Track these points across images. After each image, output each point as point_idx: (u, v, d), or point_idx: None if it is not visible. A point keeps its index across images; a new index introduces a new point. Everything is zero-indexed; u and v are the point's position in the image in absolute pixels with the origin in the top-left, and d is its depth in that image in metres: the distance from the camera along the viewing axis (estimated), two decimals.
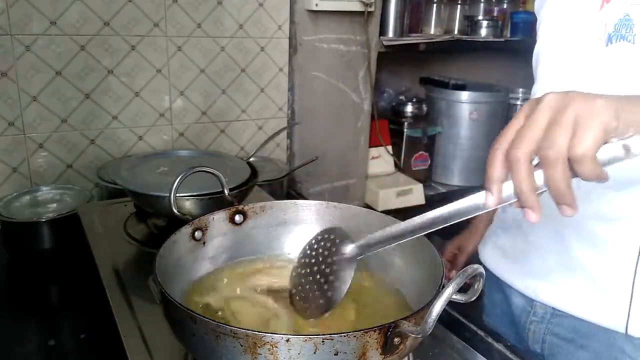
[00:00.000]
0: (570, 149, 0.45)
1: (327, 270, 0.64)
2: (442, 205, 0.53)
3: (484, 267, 0.85)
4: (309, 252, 0.68)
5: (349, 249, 0.64)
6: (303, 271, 0.68)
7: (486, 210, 0.50)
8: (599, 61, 0.71)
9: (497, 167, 0.48)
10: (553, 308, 0.81)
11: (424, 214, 0.55)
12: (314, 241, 0.69)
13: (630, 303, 0.72)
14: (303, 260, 0.69)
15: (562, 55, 0.77)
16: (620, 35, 0.68)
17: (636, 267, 0.72)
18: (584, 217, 0.74)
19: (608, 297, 0.74)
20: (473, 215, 0.51)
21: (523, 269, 0.84)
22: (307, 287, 0.66)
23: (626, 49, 0.68)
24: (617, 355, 0.75)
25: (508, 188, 0.49)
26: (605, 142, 0.46)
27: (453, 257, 1.12)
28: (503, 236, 0.91)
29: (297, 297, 0.67)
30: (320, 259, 0.66)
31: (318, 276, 0.65)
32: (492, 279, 0.92)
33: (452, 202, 0.52)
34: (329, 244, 0.66)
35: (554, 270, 0.79)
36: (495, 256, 0.92)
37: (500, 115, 1.99)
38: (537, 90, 0.83)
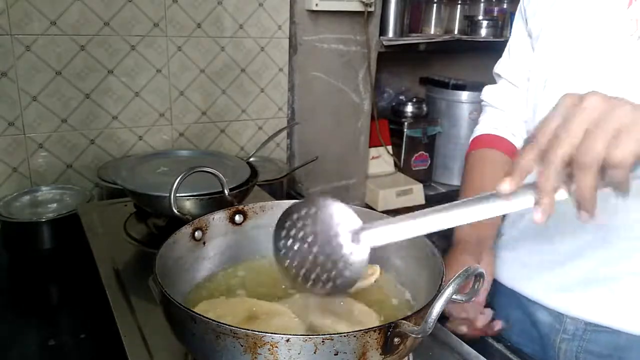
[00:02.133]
0: (607, 155, 0.45)
1: (334, 254, 0.56)
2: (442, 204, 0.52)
3: (496, 280, 0.83)
4: (301, 224, 0.58)
5: (361, 236, 0.55)
6: (301, 247, 0.59)
7: (499, 210, 0.49)
8: (632, 57, 0.70)
9: (526, 160, 0.48)
10: (585, 323, 0.76)
11: (439, 208, 0.52)
12: (304, 213, 0.58)
13: None
14: (298, 233, 0.59)
15: (585, 59, 0.74)
16: None
17: None
18: (625, 223, 0.71)
19: None
20: (491, 215, 0.50)
21: (550, 283, 0.79)
22: (311, 265, 0.58)
23: None
24: None
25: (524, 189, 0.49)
26: None
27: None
28: (521, 248, 0.85)
29: (304, 273, 0.58)
30: (322, 238, 0.57)
31: (322, 258, 0.57)
32: (507, 294, 0.86)
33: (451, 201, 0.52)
34: (329, 221, 0.57)
35: (587, 282, 0.75)
36: (513, 269, 0.86)
37: None
38: (550, 102, 0.79)
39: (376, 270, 0.73)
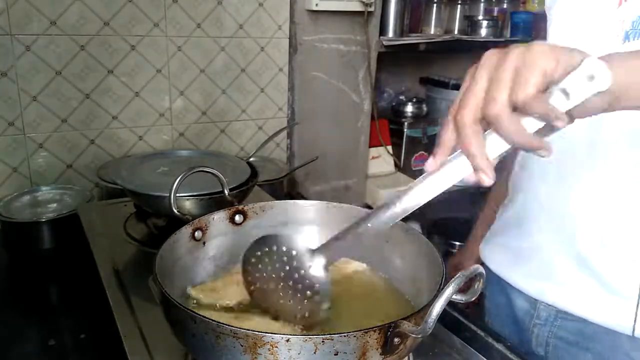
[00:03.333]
0: (514, 99, 0.44)
1: (299, 285, 0.60)
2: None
3: (486, 267, 0.86)
4: (262, 267, 0.63)
5: (314, 260, 0.59)
6: (269, 287, 0.62)
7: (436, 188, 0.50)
8: None
9: (446, 132, 0.48)
10: (557, 310, 0.81)
11: (380, 208, 0.54)
12: (260, 254, 0.63)
13: (638, 304, 0.72)
14: (261, 275, 0.63)
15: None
16: (637, 33, 0.68)
17: None
18: (594, 216, 0.74)
19: (615, 298, 0.73)
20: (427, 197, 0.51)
21: (527, 269, 0.83)
22: (286, 301, 0.62)
23: None
24: (622, 357, 0.75)
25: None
26: (547, 88, 0.45)
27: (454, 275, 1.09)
28: (506, 235, 0.89)
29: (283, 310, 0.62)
30: (283, 275, 0.61)
31: (291, 292, 0.61)
32: (494, 281, 0.90)
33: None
34: (284, 257, 0.61)
35: (559, 270, 0.78)
36: (498, 256, 0.90)
37: None
38: None
39: (350, 261, 0.75)
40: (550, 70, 0.45)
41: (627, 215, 0.72)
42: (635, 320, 0.72)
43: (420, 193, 0.52)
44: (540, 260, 0.81)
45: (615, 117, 0.68)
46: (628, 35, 0.69)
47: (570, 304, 0.78)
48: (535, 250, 0.81)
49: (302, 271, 0.60)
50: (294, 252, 0.61)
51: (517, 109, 0.45)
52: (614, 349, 0.75)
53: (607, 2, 0.71)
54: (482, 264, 0.90)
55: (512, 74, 0.45)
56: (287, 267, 0.61)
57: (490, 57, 0.48)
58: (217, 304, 0.68)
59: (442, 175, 0.50)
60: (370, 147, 1.80)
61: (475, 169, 0.48)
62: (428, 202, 0.53)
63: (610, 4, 0.71)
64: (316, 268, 0.59)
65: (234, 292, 0.70)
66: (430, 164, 0.49)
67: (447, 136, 0.48)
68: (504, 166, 1.01)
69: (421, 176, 0.51)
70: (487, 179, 0.47)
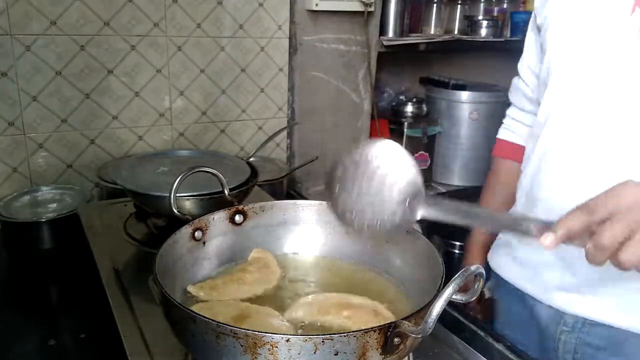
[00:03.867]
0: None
1: (386, 204, 0.59)
2: None
3: (499, 275, 0.88)
4: (370, 162, 0.60)
5: (418, 204, 0.58)
6: (357, 183, 0.60)
7: (530, 237, 0.54)
8: (633, 63, 0.70)
9: (576, 225, 0.52)
10: (584, 318, 0.79)
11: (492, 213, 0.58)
12: (378, 158, 0.60)
13: None
14: (358, 171, 0.60)
15: (587, 61, 0.74)
16: None
17: None
18: None
19: None
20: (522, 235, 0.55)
21: (551, 282, 0.81)
22: (360, 199, 0.60)
23: None
24: None
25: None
26: None
27: None
28: (522, 249, 0.87)
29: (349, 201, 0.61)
30: (383, 186, 0.59)
31: (372, 198, 0.59)
32: (508, 289, 0.89)
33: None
34: (395, 179, 0.59)
35: (586, 280, 0.77)
36: (515, 269, 0.89)
37: (500, 115, 1.98)
38: (553, 98, 0.80)
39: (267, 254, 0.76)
40: None
41: None
42: None
43: (518, 232, 0.56)
44: (564, 272, 0.80)
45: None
46: None
47: (599, 314, 0.77)
48: (561, 263, 0.80)
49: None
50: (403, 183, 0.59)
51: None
52: None
53: (619, 10, 0.70)
54: (491, 271, 0.93)
55: None
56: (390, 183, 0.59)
57: (637, 208, 0.51)
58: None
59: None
60: None
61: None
62: None
63: (623, 11, 0.70)
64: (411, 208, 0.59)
65: (233, 290, 0.70)
66: (547, 244, 0.52)
67: (576, 228, 0.52)
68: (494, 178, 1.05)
69: (535, 222, 0.55)
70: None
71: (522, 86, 0.97)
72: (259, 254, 0.77)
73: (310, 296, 0.69)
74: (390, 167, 0.59)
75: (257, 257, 0.76)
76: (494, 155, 1.06)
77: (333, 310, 0.65)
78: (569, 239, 0.52)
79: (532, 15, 0.92)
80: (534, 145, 0.84)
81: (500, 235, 0.95)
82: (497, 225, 0.57)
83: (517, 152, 0.98)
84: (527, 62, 0.94)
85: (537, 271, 0.84)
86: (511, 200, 0.92)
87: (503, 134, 1.05)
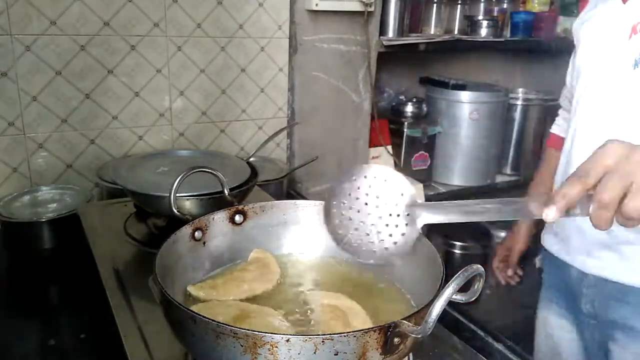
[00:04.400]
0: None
1: (387, 223, 0.61)
2: None
3: (545, 250, 1.09)
4: (361, 189, 0.62)
5: (417, 212, 0.60)
6: (354, 209, 0.62)
7: (532, 216, 0.55)
8: (628, 83, 0.85)
9: (573, 192, 0.54)
10: (598, 277, 0.95)
11: (489, 200, 0.58)
12: (369, 182, 0.62)
13: None
14: (354, 197, 0.63)
15: (596, 76, 0.92)
16: None
17: None
18: None
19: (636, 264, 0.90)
20: (524, 217, 0.59)
21: (575, 247, 0.98)
22: (362, 228, 0.62)
23: None
24: None
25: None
26: None
27: (505, 257, 1.29)
28: (557, 223, 1.03)
29: (349, 232, 0.63)
30: (378, 207, 0.61)
31: (373, 224, 0.62)
32: (550, 258, 1.07)
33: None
34: (389, 196, 0.61)
35: (603, 246, 0.93)
36: (551, 239, 1.07)
37: (500, 115, 1.99)
38: (576, 104, 0.97)
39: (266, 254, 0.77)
40: None
41: None
42: None
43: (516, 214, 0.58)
44: (583, 241, 0.96)
45: None
46: (637, 63, 0.84)
47: (605, 272, 0.94)
48: (581, 233, 0.96)
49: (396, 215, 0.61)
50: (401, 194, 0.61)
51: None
52: None
53: (619, 35, 0.87)
54: (543, 248, 1.10)
55: None
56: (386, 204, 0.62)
57: (624, 159, 0.54)
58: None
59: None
60: (370, 147, 1.80)
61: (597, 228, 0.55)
62: None
63: (622, 36, 0.86)
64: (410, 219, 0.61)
65: (233, 289, 0.70)
66: (550, 216, 0.53)
67: (573, 195, 0.54)
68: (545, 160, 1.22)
69: (532, 199, 0.56)
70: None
71: (566, 92, 1.14)
72: (258, 254, 0.77)
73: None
74: (383, 186, 0.62)
75: (257, 257, 0.77)
76: (546, 146, 1.25)
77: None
78: (569, 208, 0.54)
79: None
80: (568, 128, 1.00)
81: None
82: (497, 213, 0.57)
83: (561, 143, 1.10)
84: (569, 71, 1.09)
85: (565, 239, 1.01)
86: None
87: (554, 128, 1.23)
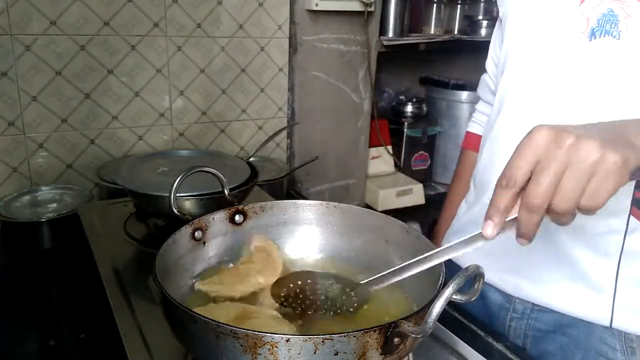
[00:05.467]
0: (582, 204, 0.47)
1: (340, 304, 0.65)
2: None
3: (452, 262, 0.87)
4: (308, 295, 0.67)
5: (360, 287, 0.64)
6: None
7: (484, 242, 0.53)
8: (581, 56, 0.70)
9: (505, 202, 0.50)
10: (532, 304, 0.82)
11: (430, 253, 0.59)
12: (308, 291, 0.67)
13: (614, 297, 0.73)
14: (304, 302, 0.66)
15: (539, 49, 0.75)
16: (604, 31, 0.68)
17: (619, 259, 0.73)
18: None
19: (592, 291, 0.75)
20: (474, 248, 0.55)
21: (501, 265, 0.83)
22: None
23: (611, 44, 0.68)
24: (596, 342, 0.77)
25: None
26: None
27: None
28: (474, 231, 0.89)
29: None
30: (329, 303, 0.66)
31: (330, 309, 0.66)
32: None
33: None
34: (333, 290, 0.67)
35: (537, 266, 0.79)
36: (468, 252, 0.91)
37: None
38: (505, 87, 0.81)
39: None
40: (622, 181, 0.48)
41: (604, 208, 0.72)
42: (612, 313, 0.74)
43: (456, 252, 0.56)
44: (514, 256, 0.81)
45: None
46: (594, 33, 0.69)
47: (547, 299, 0.79)
48: (510, 246, 0.81)
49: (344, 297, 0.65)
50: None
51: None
52: (589, 334, 0.77)
53: (567, 0, 0.71)
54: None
55: (587, 178, 0.47)
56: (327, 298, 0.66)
57: (568, 143, 0.47)
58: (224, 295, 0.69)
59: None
60: (370, 147, 1.80)
61: (521, 237, 0.51)
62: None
63: (572, 1, 0.71)
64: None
65: (239, 285, 0.70)
66: (489, 233, 0.52)
67: (505, 205, 0.50)
68: (464, 162, 1.07)
69: (472, 236, 0.55)
70: (526, 243, 0.52)
71: (487, 80, 0.99)
72: (261, 244, 0.77)
73: None
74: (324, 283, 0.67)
75: (260, 248, 0.77)
76: (463, 148, 1.08)
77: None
78: (506, 217, 0.50)
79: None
80: (489, 131, 0.85)
81: (454, 222, 0.96)
82: (443, 257, 0.57)
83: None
84: (491, 55, 0.96)
85: (491, 254, 0.84)
86: None
87: (471, 127, 1.06)
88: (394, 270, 0.61)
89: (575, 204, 0.47)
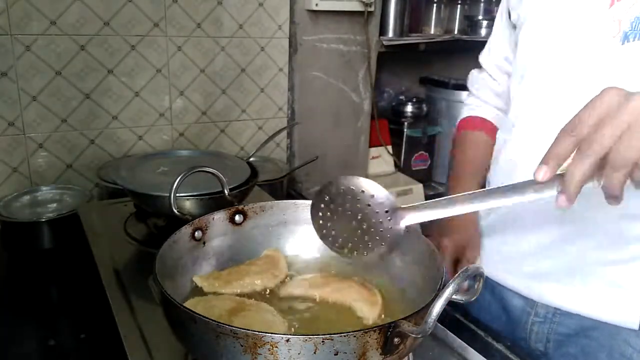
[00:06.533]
0: None
1: (371, 227, 0.64)
2: None
3: None
4: (340, 197, 0.65)
5: (398, 215, 0.62)
6: (335, 211, 0.65)
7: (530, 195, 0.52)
8: (613, 60, 0.69)
9: (564, 148, 0.50)
10: (555, 308, 0.81)
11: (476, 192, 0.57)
12: (345, 190, 0.64)
13: None
14: (332, 203, 0.65)
15: (566, 54, 0.73)
16: (637, 34, 0.67)
17: None
18: (602, 217, 0.73)
19: (619, 295, 0.74)
20: (528, 199, 0.53)
21: (524, 271, 0.82)
22: (344, 228, 0.65)
23: None
24: (621, 344, 0.76)
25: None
26: None
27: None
28: (496, 236, 0.88)
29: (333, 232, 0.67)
30: (360, 209, 0.64)
31: (357, 225, 0.64)
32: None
33: None
34: (369, 202, 0.63)
35: (560, 271, 0.78)
36: (486, 256, 0.90)
37: None
38: (531, 90, 0.79)
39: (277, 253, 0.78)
40: None
41: (635, 213, 0.71)
42: None
43: (512, 199, 0.55)
44: (537, 261, 0.80)
45: None
46: (627, 36, 0.67)
47: (573, 304, 0.78)
48: (533, 251, 0.81)
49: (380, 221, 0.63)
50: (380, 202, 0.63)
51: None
52: (613, 336, 0.77)
53: (599, 2, 0.70)
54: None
55: None
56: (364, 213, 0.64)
57: (618, 105, 0.48)
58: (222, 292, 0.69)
59: (539, 192, 0.53)
60: (370, 147, 1.80)
61: (562, 193, 0.50)
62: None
63: (602, 3, 0.69)
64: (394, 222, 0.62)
65: (234, 282, 0.70)
66: (541, 176, 0.50)
67: (565, 152, 0.50)
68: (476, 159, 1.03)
69: (520, 183, 0.54)
70: (567, 205, 0.51)
71: (489, 81, 0.98)
72: (270, 252, 0.77)
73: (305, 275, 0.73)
74: (363, 194, 0.64)
75: (268, 255, 0.77)
76: (460, 131, 1.03)
77: (322, 283, 0.69)
78: (561, 163, 0.50)
79: (500, 10, 0.93)
80: (506, 135, 0.85)
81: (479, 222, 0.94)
82: (486, 201, 0.56)
83: (485, 124, 0.99)
84: (496, 58, 0.95)
85: (511, 259, 0.85)
86: (483, 168, 0.95)
87: (468, 112, 1.03)
88: (436, 202, 0.60)
89: (636, 158, 0.47)
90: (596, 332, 0.78)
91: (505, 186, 0.55)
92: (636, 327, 0.74)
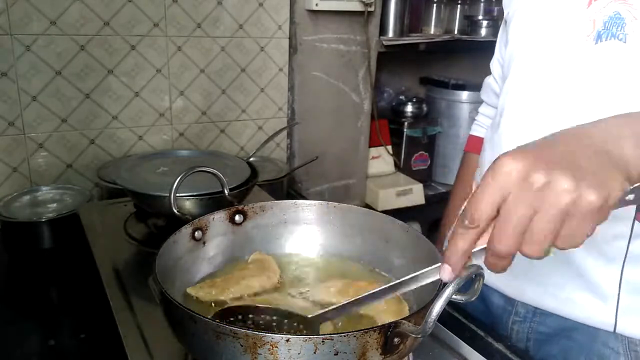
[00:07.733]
0: (557, 244, 0.43)
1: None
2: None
3: None
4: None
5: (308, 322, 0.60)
6: None
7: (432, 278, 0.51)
8: (586, 59, 0.70)
9: (466, 244, 0.45)
10: (534, 307, 0.81)
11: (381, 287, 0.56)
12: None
13: (618, 302, 0.73)
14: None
15: (543, 52, 0.74)
16: (610, 34, 0.67)
17: (623, 265, 0.72)
18: None
19: (596, 296, 0.75)
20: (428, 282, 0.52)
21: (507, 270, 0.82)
22: None
23: (617, 47, 0.67)
24: (600, 346, 0.76)
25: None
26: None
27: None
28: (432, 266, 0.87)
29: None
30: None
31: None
32: None
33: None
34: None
35: (540, 270, 0.78)
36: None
37: None
38: (510, 89, 0.80)
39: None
40: (602, 220, 0.43)
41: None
42: (616, 318, 0.74)
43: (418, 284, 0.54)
44: (518, 260, 0.80)
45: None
46: (600, 36, 0.68)
47: (551, 303, 0.79)
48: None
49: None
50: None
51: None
52: (593, 338, 0.77)
53: (576, 2, 0.70)
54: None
55: (560, 222, 0.42)
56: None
57: (537, 177, 0.41)
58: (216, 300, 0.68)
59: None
60: (370, 147, 1.80)
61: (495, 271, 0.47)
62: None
63: (580, 3, 0.70)
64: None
65: (232, 287, 0.70)
66: (446, 277, 0.47)
67: (466, 248, 0.46)
68: (467, 163, 1.07)
69: (428, 270, 0.52)
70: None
71: (492, 83, 0.98)
72: (258, 256, 0.77)
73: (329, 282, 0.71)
74: None
75: (257, 259, 0.77)
76: (465, 151, 1.07)
77: (353, 292, 0.66)
78: (465, 262, 0.46)
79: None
80: (492, 133, 0.84)
81: None
82: (399, 289, 0.54)
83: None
84: (496, 57, 0.95)
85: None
86: None
87: (474, 130, 1.06)
88: (343, 305, 0.57)
89: (546, 247, 0.43)
90: (576, 333, 0.78)
91: (412, 277, 0.53)
92: (611, 330, 0.74)
